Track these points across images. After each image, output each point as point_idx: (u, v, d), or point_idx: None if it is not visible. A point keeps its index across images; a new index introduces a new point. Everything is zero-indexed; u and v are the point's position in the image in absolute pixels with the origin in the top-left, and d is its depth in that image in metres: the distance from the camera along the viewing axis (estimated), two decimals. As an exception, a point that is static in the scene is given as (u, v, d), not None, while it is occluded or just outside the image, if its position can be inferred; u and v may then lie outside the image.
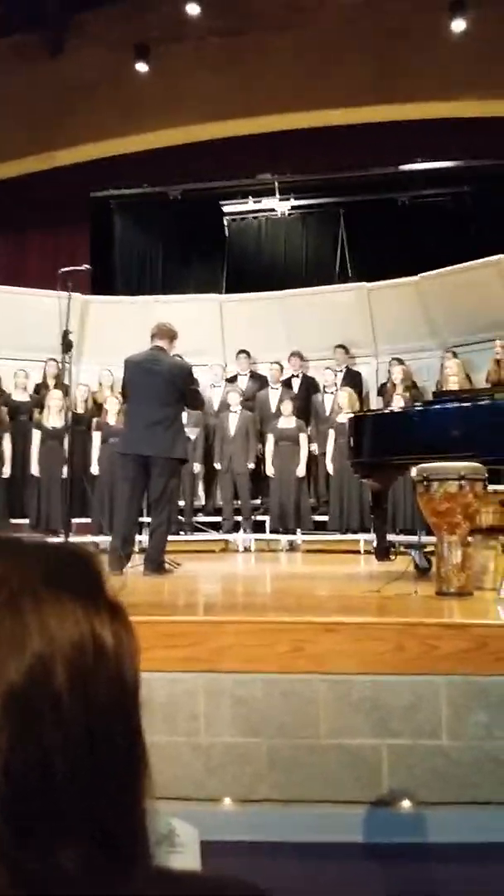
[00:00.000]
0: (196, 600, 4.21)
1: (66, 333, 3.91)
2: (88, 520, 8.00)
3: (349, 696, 2.76)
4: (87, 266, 4.42)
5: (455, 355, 8.24)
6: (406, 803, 2.74)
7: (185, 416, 8.14)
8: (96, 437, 8.26)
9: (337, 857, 2.63)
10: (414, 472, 4.00)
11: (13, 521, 7.99)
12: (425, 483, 3.84)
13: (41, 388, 8.62)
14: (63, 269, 3.98)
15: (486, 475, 3.94)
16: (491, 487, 4.13)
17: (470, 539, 3.96)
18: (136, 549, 5.55)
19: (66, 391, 6.81)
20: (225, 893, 0.67)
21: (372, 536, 6.31)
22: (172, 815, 1.29)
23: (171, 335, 5.35)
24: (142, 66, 9.09)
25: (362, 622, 2.91)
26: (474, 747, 2.74)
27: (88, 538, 7.67)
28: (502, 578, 3.79)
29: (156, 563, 5.02)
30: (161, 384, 5.07)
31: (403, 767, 2.75)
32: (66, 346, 3.97)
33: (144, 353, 5.32)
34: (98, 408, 8.61)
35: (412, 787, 2.73)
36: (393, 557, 5.47)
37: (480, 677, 2.78)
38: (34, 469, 8.01)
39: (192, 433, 7.29)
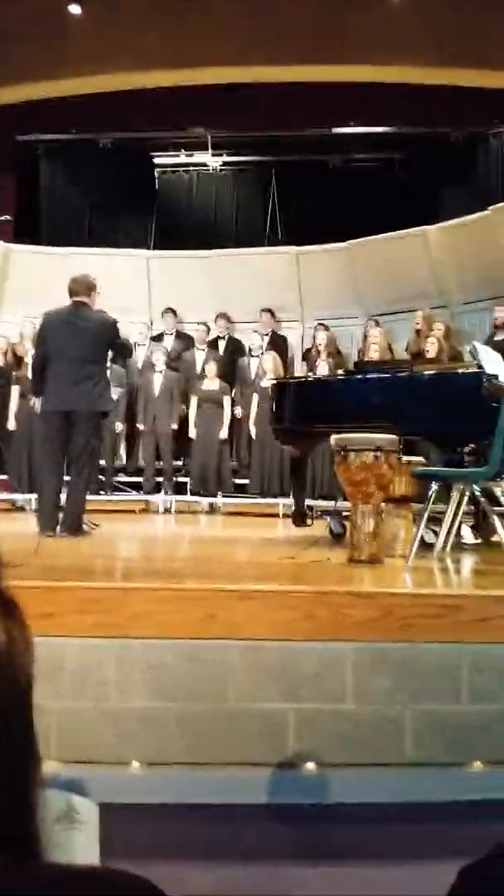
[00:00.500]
0: (112, 565, 4.20)
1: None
2: (4, 477, 7.85)
3: (259, 663, 2.82)
4: (7, 217, 4.25)
5: (378, 324, 8.34)
6: (311, 765, 2.84)
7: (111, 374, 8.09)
8: (14, 391, 8.07)
9: (244, 818, 2.71)
10: (333, 441, 4.06)
11: None
12: (343, 453, 3.91)
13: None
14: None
15: (401, 446, 4.05)
16: (404, 458, 4.23)
17: (382, 508, 4.07)
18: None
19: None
20: (116, 892, 0.68)
21: (291, 501, 6.40)
22: (70, 793, 1.30)
23: (89, 287, 5.20)
24: (74, 8, 8.72)
25: (276, 590, 2.97)
26: (376, 711, 2.85)
27: (3, 496, 7.53)
28: (411, 546, 3.91)
29: (74, 525, 4.95)
30: (88, 340, 4.97)
31: (309, 731, 2.84)
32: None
33: (66, 309, 5.16)
34: (18, 361, 8.39)
35: (317, 750, 2.83)
36: (310, 522, 5.57)
37: (385, 644, 2.88)
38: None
39: (115, 392, 7.19)
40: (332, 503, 6.54)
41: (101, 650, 2.74)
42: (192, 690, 2.76)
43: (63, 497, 4.98)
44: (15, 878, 0.58)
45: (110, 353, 5.56)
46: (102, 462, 8.21)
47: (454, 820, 2.64)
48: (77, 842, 1.22)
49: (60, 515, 4.91)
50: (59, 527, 4.93)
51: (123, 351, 5.33)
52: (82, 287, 5.15)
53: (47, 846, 0.66)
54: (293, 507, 5.86)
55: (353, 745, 2.83)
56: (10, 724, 0.59)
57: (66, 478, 5.05)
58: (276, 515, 7.56)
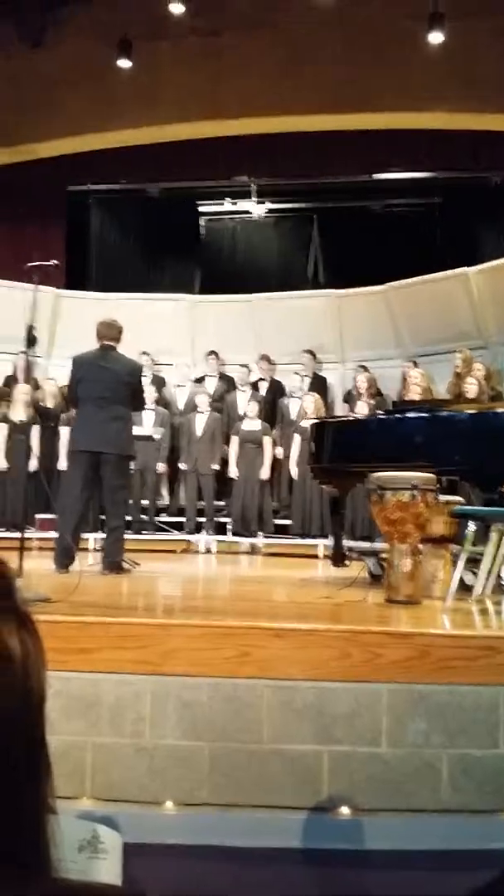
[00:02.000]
0: (149, 602, 4.23)
1: (30, 328, 3.92)
2: (53, 515, 7.97)
3: (293, 703, 2.81)
4: (55, 262, 4.42)
5: (417, 365, 8.35)
6: (345, 809, 2.80)
7: (151, 415, 8.24)
8: (64, 431, 8.23)
9: (275, 862, 2.68)
10: (369, 480, 4.07)
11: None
12: (379, 492, 3.91)
13: (10, 382, 8.57)
14: (30, 264, 3.99)
15: (438, 486, 4.03)
16: (442, 498, 4.21)
17: (420, 548, 4.05)
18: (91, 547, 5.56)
19: (35, 385, 6.78)
20: None
21: (331, 541, 6.38)
22: (95, 822, 1.33)
23: (117, 332, 5.37)
24: (123, 62, 9.07)
25: (309, 629, 2.96)
26: (412, 754, 2.81)
27: (52, 534, 7.64)
28: (450, 587, 3.87)
29: (114, 563, 5.03)
30: (115, 382, 5.11)
31: (343, 774, 2.81)
32: (30, 340, 3.98)
33: (95, 352, 5.34)
34: (67, 403, 8.57)
35: (351, 794, 2.79)
36: (348, 563, 5.55)
37: (421, 685, 2.85)
38: (0, 463, 7.96)
39: (157, 433, 7.30)
40: (370, 544, 6.52)
41: (137, 686, 2.77)
42: (226, 729, 2.77)
43: (100, 535, 5.07)
44: (16, 891, 0.60)
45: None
46: (145, 502, 8.32)
47: (491, 868, 2.57)
48: (99, 869, 1.25)
49: (91, 553, 5.00)
50: (102, 565, 5.03)
51: (139, 401, 5.48)
52: (110, 331, 5.33)
53: (57, 865, 0.68)
54: (332, 548, 5.85)
55: (387, 790, 2.79)
56: (22, 738, 0.62)
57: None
58: (316, 556, 7.53)
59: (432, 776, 2.78)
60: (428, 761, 2.80)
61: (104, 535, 5.13)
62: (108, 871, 1.18)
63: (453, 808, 2.75)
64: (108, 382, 5.10)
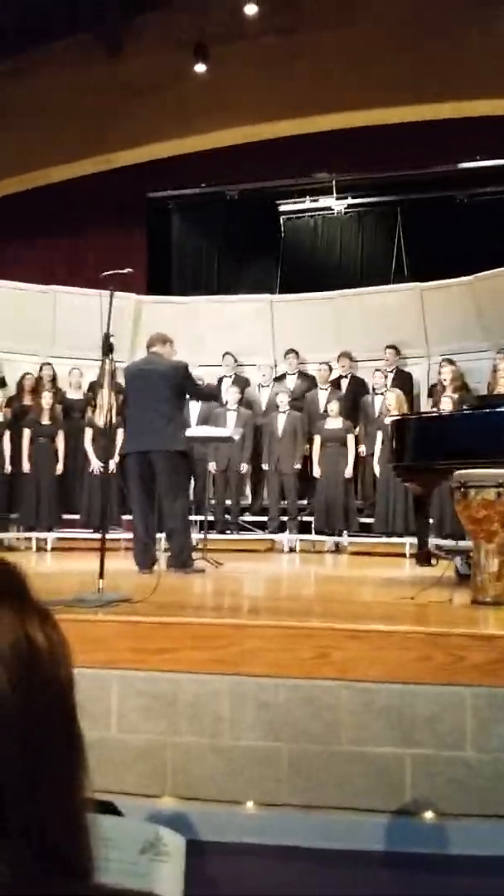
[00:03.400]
0: (229, 602, 4.25)
1: (106, 336, 4.01)
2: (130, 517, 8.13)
3: (372, 704, 2.77)
4: (130, 269, 4.50)
5: (507, 357, 8.09)
6: (428, 814, 2.74)
7: (233, 416, 8.28)
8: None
9: (356, 865, 2.64)
10: (453, 477, 3.96)
11: (65, 516, 8.18)
12: (463, 490, 3.81)
13: (95, 387, 8.79)
14: (105, 273, 4.07)
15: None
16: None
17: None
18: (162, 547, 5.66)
19: (118, 390, 6.93)
20: None
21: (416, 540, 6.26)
22: (160, 823, 1.33)
23: (164, 340, 5.56)
24: (200, 67, 9.15)
25: (388, 630, 2.91)
26: (498, 759, 2.72)
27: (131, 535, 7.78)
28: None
29: (181, 560, 5.09)
30: (156, 382, 5.22)
31: (426, 777, 2.75)
32: (108, 348, 4.06)
33: (142, 359, 5.59)
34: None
35: (435, 798, 2.73)
36: (435, 563, 5.43)
37: (507, 690, 2.75)
38: (93, 465, 8.10)
39: (236, 433, 7.34)
40: (459, 543, 6.36)
41: (215, 686, 2.78)
42: (304, 731, 2.74)
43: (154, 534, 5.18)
44: (46, 891, 0.59)
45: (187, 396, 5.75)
46: (228, 502, 8.37)
47: None
48: (161, 873, 1.24)
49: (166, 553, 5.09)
50: (167, 563, 5.11)
51: (202, 394, 5.58)
52: (158, 340, 5.55)
53: (96, 866, 0.67)
54: (417, 547, 5.74)
55: (472, 795, 2.72)
56: (52, 725, 0.62)
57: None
58: (402, 555, 7.41)
59: (520, 783, 2.69)
60: (515, 767, 2.70)
61: (165, 534, 5.25)
62: (170, 873, 1.17)
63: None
64: (148, 383, 5.25)
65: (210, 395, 5.95)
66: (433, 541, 6.56)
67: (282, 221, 11.71)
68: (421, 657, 2.82)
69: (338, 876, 2.59)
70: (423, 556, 5.41)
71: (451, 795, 2.72)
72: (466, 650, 2.82)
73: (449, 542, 6.81)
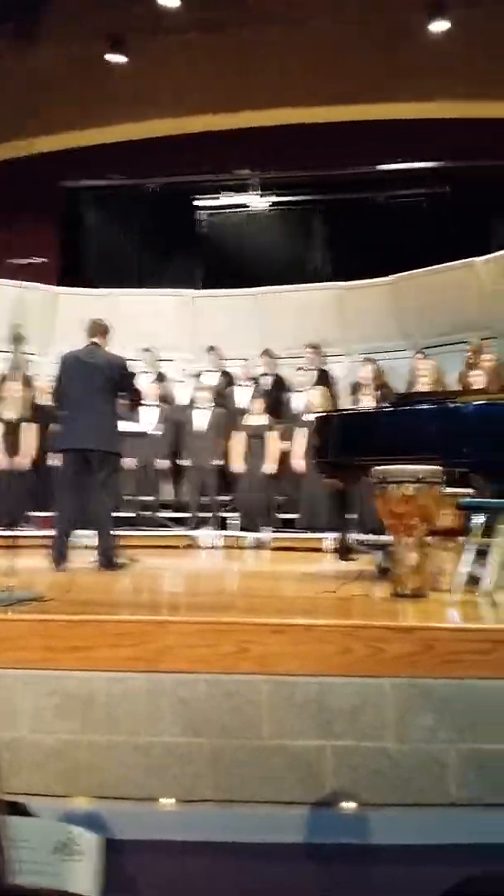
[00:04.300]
0: (146, 599, 4.17)
1: (14, 327, 3.86)
2: (49, 513, 7.92)
3: (293, 698, 2.74)
4: (43, 259, 4.37)
5: (426, 356, 8.25)
6: (349, 804, 2.73)
7: (154, 411, 8.18)
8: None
9: (277, 858, 2.61)
10: (372, 473, 3.99)
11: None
12: (382, 485, 3.83)
13: (3, 380, 8.51)
14: (14, 261, 3.92)
15: (444, 478, 3.94)
16: (449, 490, 4.12)
17: (427, 541, 3.97)
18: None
19: (26, 383, 6.72)
20: None
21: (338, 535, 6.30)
22: (73, 823, 1.26)
23: (103, 330, 5.39)
24: (117, 57, 9.00)
25: (309, 624, 2.89)
26: (418, 750, 2.74)
27: (50, 531, 7.59)
28: (457, 580, 3.79)
29: (108, 559, 4.99)
30: (99, 379, 5.08)
31: (347, 769, 2.74)
32: (16, 339, 3.91)
33: (81, 350, 5.35)
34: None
35: (355, 789, 2.72)
36: (355, 557, 5.47)
37: (426, 680, 2.78)
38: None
39: (156, 429, 7.24)
40: (378, 538, 6.43)
41: (131, 683, 2.70)
42: (224, 726, 2.70)
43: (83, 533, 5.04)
44: None
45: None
46: (147, 498, 8.26)
47: (498, 863, 2.49)
48: (74, 872, 1.18)
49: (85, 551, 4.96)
50: (98, 562, 4.99)
51: (131, 390, 5.42)
52: (96, 329, 5.36)
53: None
54: (338, 542, 5.77)
55: (393, 785, 2.73)
56: None
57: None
58: (322, 550, 7.45)
59: (439, 771, 2.71)
60: (435, 756, 2.73)
61: (96, 532, 5.10)
62: (84, 872, 1.12)
63: (462, 802, 2.68)
64: (90, 379, 5.10)
65: (140, 398, 5.79)
66: (354, 536, 6.61)
67: (202, 217, 11.63)
68: (342, 650, 2.81)
69: (259, 869, 2.55)
70: (344, 551, 5.44)
71: (372, 786, 2.72)
72: (386, 642, 2.83)
73: (369, 537, 6.88)
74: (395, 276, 8.76)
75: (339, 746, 2.74)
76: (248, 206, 11.30)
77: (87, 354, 5.26)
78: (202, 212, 11.46)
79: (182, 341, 9.30)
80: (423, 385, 7.60)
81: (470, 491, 4.66)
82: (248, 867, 2.57)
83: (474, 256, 8.29)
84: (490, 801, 2.69)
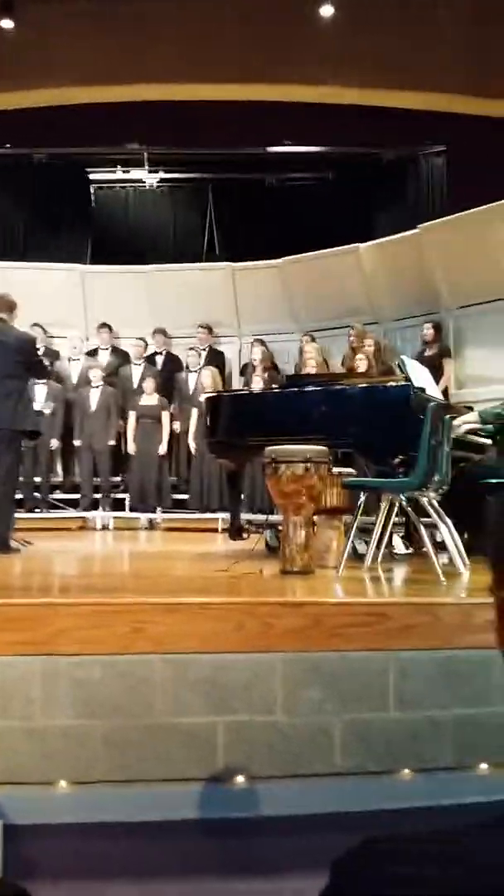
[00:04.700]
0: (38, 582, 4.13)
1: None
2: None
3: (187, 676, 2.80)
4: None
5: (313, 339, 8.43)
6: (240, 779, 2.82)
7: (43, 390, 8.00)
8: None
9: (172, 835, 2.68)
10: (264, 453, 4.08)
11: None
12: (273, 465, 3.93)
13: None
14: None
15: (331, 458, 4.09)
16: (335, 470, 4.27)
17: (315, 519, 4.11)
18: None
19: None
20: None
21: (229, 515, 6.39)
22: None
23: (10, 306, 5.19)
24: (5, 22, 8.65)
25: (203, 602, 2.96)
26: (306, 722, 2.85)
27: None
28: (342, 557, 3.95)
29: (2, 542, 4.88)
30: (7, 354, 4.92)
31: (239, 744, 2.83)
32: None
33: None
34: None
35: (247, 763, 2.82)
36: (246, 536, 5.58)
37: (314, 654, 2.89)
38: None
39: (48, 408, 7.10)
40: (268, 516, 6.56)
41: (25, 668, 2.69)
42: (119, 706, 2.73)
43: None
44: None
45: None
46: (37, 479, 8.11)
47: (384, 828, 2.65)
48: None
49: None
50: None
51: (39, 369, 5.28)
52: (3, 305, 5.15)
53: None
54: (230, 522, 5.87)
55: (282, 757, 2.83)
56: None
57: None
58: (214, 530, 7.54)
59: (326, 742, 2.83)
60: (322, 727, 2.85)
61: None
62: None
63: (346, 771, 2.82)
64: (0, 356, 4.91)
65: (46, 374, 5.61)
66: (244, 516, 6.73)
67: (92, 190, 11.39)
68: (235, 626, 2.88)
69: (156, 847, 2.61)
70: (236, 531, 5.54)
71: (262, 759, 2.82)
72: (277, 618, 2.92)
73: (259, 517, 7.02)
74: (284, 259, 8.88)
75: (231, 722, 2.82)
76: (141, 182, 11.16)
77: None
78: (92, 185, 11.23)
79: (73, 318, 9.11)
80: (310, 368, 7.77)
81: (353, 471, 4.85)
82: (145, 846, 2.62)
83: (356, 242, 8.51)
84: (372, 768, 2.84)
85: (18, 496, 7.05)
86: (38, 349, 5.21)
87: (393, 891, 0.63)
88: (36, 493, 8.11)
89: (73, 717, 2.71)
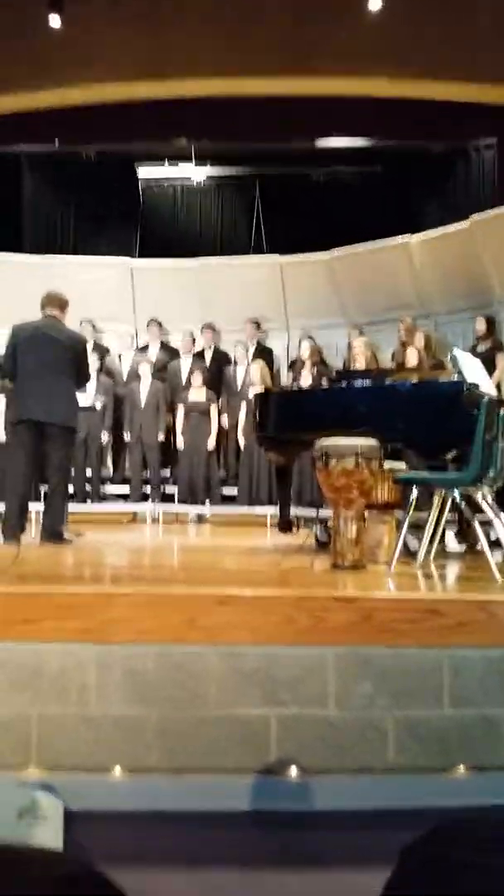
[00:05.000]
0: (93, 572, 4.19)
1: None
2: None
3: (240, 668, 2.82)
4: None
5: (362, 333, 8.38)
6: (292, 771, 2.83)
7: (93, 384, 8.09)
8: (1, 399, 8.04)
9: (224, 825, 2.69)
10: (315, 447, 4.07)
11: None
12: (324, 459, 3.92)
13: None
14: None
15: (383, 453, 4.06)
16: (387, 465, 4.24)
17: (365, 514, 4.08)
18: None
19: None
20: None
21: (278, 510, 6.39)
22: (36, 788, 1.30)
23: (62, 304, 5.26)
24: (54, 19, 8.75)
25: (255, 595, 2.96)
26: (358, 716, 2.85)
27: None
28: (394, 552, 3.92)
29: (54, 533, 4.96)
30: (60, 352, 4.99)
31: (291, 736, 2.83)
32: None
33: (39, 321, 5.19)
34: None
35: (299, 756, 2.82)
36: (296, 531, 5.58)
37: (366, 648, 2.88)
38: None
39: (98, 402, 7.19)
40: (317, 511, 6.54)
41: (81, 655, 2.73)
42: (172, 696, 2.76)
43: (39, 506, 4.98)
44: None
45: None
46: (89, 472, 8.22)
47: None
48: (39, 835, 1.22)
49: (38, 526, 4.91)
50: (40, 536, 4.96)
51: (83, 372, 5.31)
52: (55, 301, 5.22)
53: None
54: (279, 516, 5.86)
55: (335, 751, 2.83)
56: None
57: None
58: (263, 525, 7.55)
59: (378, 737, 2.82)
60: (373, 723, 2.84)
61: (43, 506, 5.06)
62: (48, 836, 1.16)
63: (399, 767, 2.80)
64: (51, 352, 4.98)
65: (85, 379, 5.65)
66: (293, 510, 6.72)
67: (141, 186, 11.49)
68: (285, 620, 2.89)
69: (206, 837, 2.63)
70: (285, 525, 5.54)
71: (315, 753, 2.82)
72: (328, 612, 2.92)
73: (308, 511, 7.01)
74: (333, 251, 8.83)
75: (283, 715, 2.83)
76: (188, 178, 11.22)
77: (46, 326, 5.11)
78: (141, 181, 11.33)
79: (122, 313, 9.20)
80: (359, 363, 7.73)
81: (404, 465, 4.81)
82: (195, 835, 2.64)
83: (409, 235, 8.42)
84: (425, 765, 2.82)
85: (70, 489, 7.16)
86: (86, 352, 5.27)
87: (461, 877, 0.63)
88: (87, 486, 8.22)
89: (127, 705, 2.74)
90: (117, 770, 2.69)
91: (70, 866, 0.65)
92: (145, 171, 11.30)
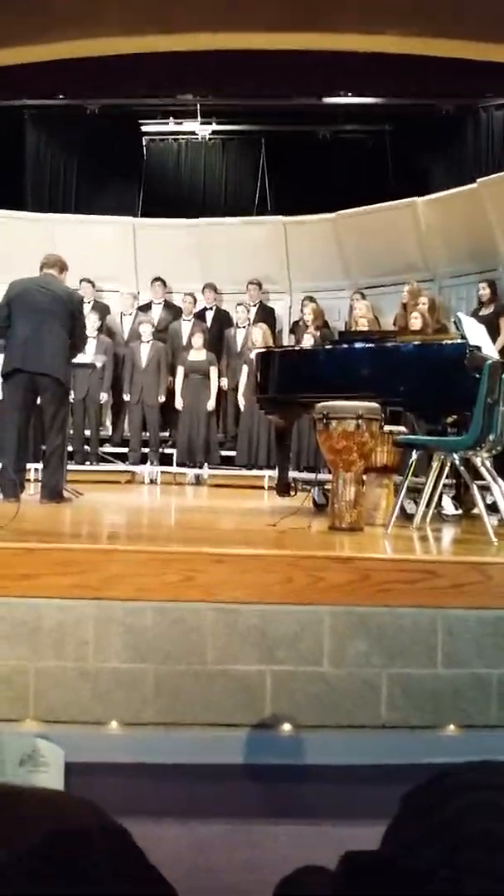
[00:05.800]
0: (92, 529, 4.21)
1: None
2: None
3: (236, 625, 2.84)
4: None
5: (364, 297, 8.31)
6: (287, 726, 2.87)
7: (93, 343, 8.05)
8: None
9: (219, 778, 2.74)
10: (315, 409, 4.07)
11: None
12: (325, 421, 3.92)
13: None
14: None
15: (383, 415, 4.05)
16: (386, 428, 4.24)
17: (364, 477, 4.09)
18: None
19: None
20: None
21: (276, 472, 6.40)
22: (35, 737, 1.31)
23: (61, 266, 5.23)
24: (58, -32, 8.53)
25: (252, 554, 2.98)
26: (353, 674, 2.88)
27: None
28: (391, 515, 3.93)
29: (54, 492, 4.96)
30: (55, 305, 4.93)
31: (286, 693, 2.87)
32: None
33: (35, 277, 5.17)
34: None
35: (293, 712, 2.86)
36: (294, 493, 5.59)
37: (362, 608, 2.90)
38: None
39: (98, 360, 7.16)
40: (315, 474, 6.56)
41: (79, 611, 2.75)
42: (169, 652, 2.78)
43: (38, 465, 4.97)
44: None
45: None
46: (87, 432, 8.22)
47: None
48: (40, 783, 1.24)
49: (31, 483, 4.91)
50: (40, 494, 4.96)
51: (80, 333, 5.24)
52: (54, 263, 5.20)
53: None
54: (277, 478, 5.88)
55: (328, 708, 2.87)
56: None
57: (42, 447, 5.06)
58: (261, 487, 7.58)
59: (372, 695, 2.86)
60: (368, 680, 2.87)
61: (42, 464, 5.04)
62: (50, 783, 1.18)
63: (392, 724, 2.84)
64: (46, 303, 4.91)
65: (84, 343, 5.58)
66: (291, 473, 6.74)
67: (144, 142, 11.31)
68: (283, 579, 2.91)
69: (201, 790, 2.68)
70: (283, 487, 5.55)
71: (309, 709, 2.86)
72: (325, 571, 2.94)
73: (306, 475, 7.02)
74: (338, 213, 8.72)
75: (278, 671, 2.86)
76: (193, 134, 11.03)
77: (43, 282, 5.07)
78: (145, 137, 11.15)
79: (123, 272, 9.12)
80: (361, 325, 7.68)
81: (403, 429, 4.81)
82: (191, 787, 2.69)
83: (416, 196, 8.30)
84: (417, 723, 2.87)
85: (69, 448, 7.17)
86: (82, 312, 5.21)
87: (465, 817, 0.64)
88: (86, 446, 8.22)
89: (125, 660, 2.77)
90: (114, 724, 2.73)
91: (72, 803, 0.66)
92: (150, 127, 11.12)
